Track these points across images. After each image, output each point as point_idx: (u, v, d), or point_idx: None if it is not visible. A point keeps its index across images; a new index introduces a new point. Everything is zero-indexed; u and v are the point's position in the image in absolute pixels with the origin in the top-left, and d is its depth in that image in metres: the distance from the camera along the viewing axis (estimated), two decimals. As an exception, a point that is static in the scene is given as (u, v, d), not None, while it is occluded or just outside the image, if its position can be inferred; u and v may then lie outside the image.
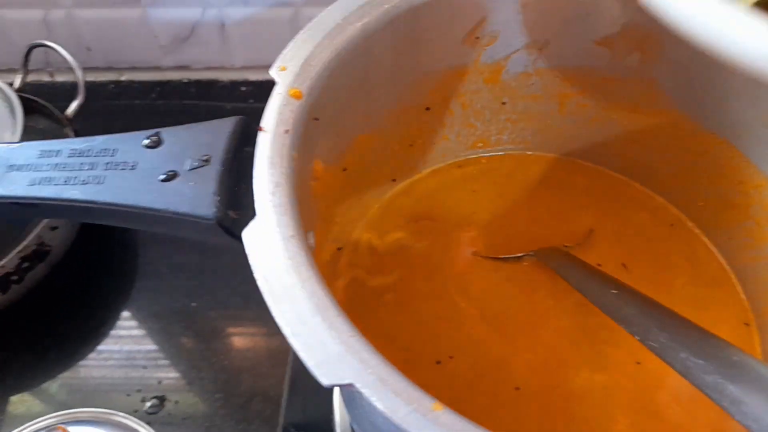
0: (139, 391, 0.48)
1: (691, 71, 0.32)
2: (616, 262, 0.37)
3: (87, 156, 0.26)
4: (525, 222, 0.39)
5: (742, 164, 0.33)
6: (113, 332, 0.51)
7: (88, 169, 0.26)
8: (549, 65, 0.36)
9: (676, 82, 0.34)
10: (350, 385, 0.18)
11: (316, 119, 0.27)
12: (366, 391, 0.18)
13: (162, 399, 0.48)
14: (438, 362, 0.33)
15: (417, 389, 0.18)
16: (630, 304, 0.26)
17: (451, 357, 0.33)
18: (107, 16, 0.65)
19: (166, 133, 0.26)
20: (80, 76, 0.56)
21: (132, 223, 0.26)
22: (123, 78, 0.70)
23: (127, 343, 0.50)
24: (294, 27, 0.63)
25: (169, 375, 0.49)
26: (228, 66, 0.69)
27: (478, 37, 0.33)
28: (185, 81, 0.69)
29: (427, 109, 0.37)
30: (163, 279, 0.54)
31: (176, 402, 0.47)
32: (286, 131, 0.24)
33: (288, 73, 0.26)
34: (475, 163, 0.42)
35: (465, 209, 0.40)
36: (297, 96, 0.26)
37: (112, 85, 0.70)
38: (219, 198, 0.24)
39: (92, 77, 0.69)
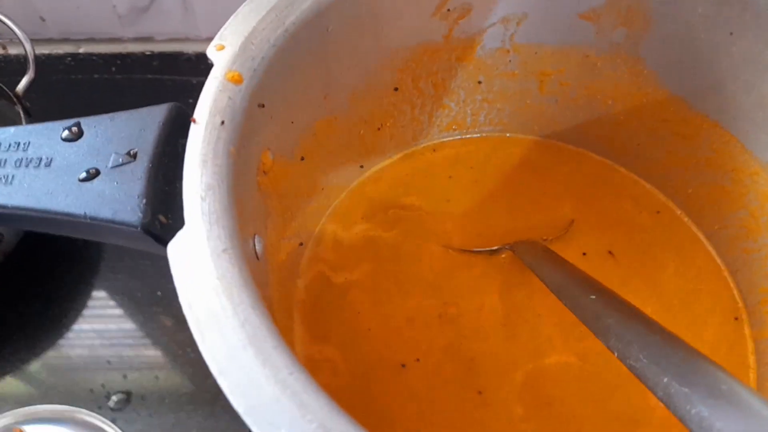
0: (103, 385, 0.46)
1: (682, 50, 0.29)
2: (602, 250, 0.35)
3: (-5, 151, 0.23)
4: (503, 211, 0.37)
5: (736, 150, 0.31)
6: (75, 326, 0.49)
7: (-5, 167, 0.22)
8: (528, 41, 0.32)
9: (665, 61, 0.31)
10: (286, 434, 0.15)
11: (262, 106, 0.24)
12: (305, 441, 0.15)
13: (128, 394, 0.45)
14: (403, 366, 0.31)
15: (365, 435, 0.16)
16: (609, 314, 0.23)
17: (417, 360, 0.31)
18: (58, -15, 0.61)
19: (87, 123, 0.23)
20: (29, 49, 0.51)
21: (48, 228, 0.22)
22: (81, 50, 0.66)
23: (89, 337, 0.48)
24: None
25: (135, 367, 0.46)
26: (193, 37, 0.65)
27: (449, 10, 0.30)
28: (148, 53, 0.65)
29: (396, 89, 0.33)
30: (127, 266, 0.51)
31: (142, 397, 0.45)
32: (222, 122, 0.21)
33: (226, 54, 0.23)
34: (450, 147, 0.39)
35: (439, 196, 0.37)
36: (236, 80, 0.22)
37: (69, 59, 0.65)
38: (146, 200, 0.21)
39: (47, 50, 0.65)
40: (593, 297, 0.25)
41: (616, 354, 0.22)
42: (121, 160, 0.22)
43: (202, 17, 0.63)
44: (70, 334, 0.48)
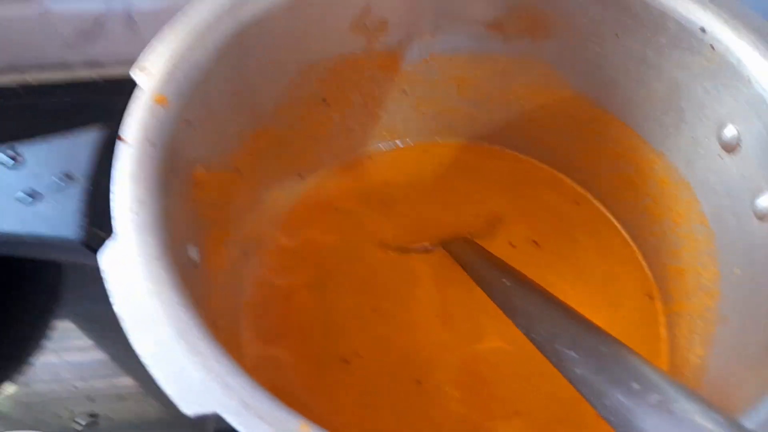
0: (70, 410, 0.46)
1: (579, 52, 0.32)
2: (527, 240, 0.38)
3: (-64, 179, 0.24)
4: (436, 211, 0.39)
5: (635, 141, 0.34)
6: (39, 354, 0.48)
7: (-63, 193, 0.24)
8: (443, 51, 0.35)
9: (567, 63, 0.34)
10: (213, 413, 0.17)
11: (189, 122, 0.26)
12: (229, 418, 0.17)
13: (95, 417, 0.46)
14: (345, 361, 0.33)
15: (283, 410, 0.18)
16: (518, 296, 0.26)
17: (359, 355, 0.33)
18: (3, 13, 0.61)
19: (25, 147, 0.25)
20: (-23, 81, 0.52)
21: (-8, 249, 0.24)
22: (29, 78, 0.66)
23: (54, 365, 0.48)
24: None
25: (101, 391, 0.47)
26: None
27: (366, 24, 0.32)
28: (96, 78, 0.66)
29: (324, 100, 0.36)
30: (90, 291, 0.51)
31: (110, 419, 0.46)
32: (150, 140, 0.23)
33: (149, 75, 0.24)
34: (385, 154, 0.41)
35: (376, 201, 0.39)
36: (162, 101, 0.24)
37: (18, 86, 0.66)
38: (83, 216, 0.23)
39: (-4, 79, 0.65)
40: (507, 282, 0.27)
41: (522, 330, 0.24)
42: (58, 180, 0.24)
43: (149, 39, 0.64)
44: (35, 363, 0.48)
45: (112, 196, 0.21)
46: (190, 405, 0.18)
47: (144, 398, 0.46)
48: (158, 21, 0.63)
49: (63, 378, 0.47)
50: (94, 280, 0.50)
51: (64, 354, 0.48)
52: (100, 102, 0.63)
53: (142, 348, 0.19)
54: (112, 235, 0.22)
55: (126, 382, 0.46)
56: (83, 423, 0.44)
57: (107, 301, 0.50)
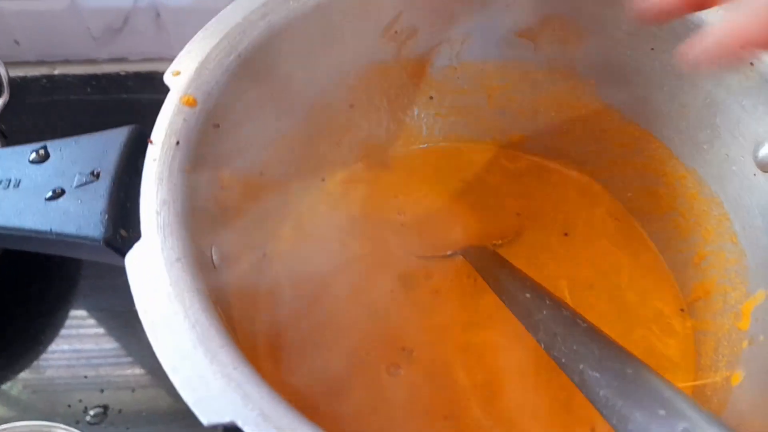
0: (80, 401, 0.46)
1: (612, 65, 0.32)
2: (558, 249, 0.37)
3: (-33, 174, 0.24)
4: (458, 217, 0.39)
5: (665, 156, 0.33)
6: (52, 344, 0.49)
7: (-33, 189, 0.24)
8: (473, 58, 0.35)
9: (598, 74, 0.33)
10: (231, 423, 0.17)
11: (217, 126, 0.25)
12: (247, 429, 0.17)
13: (105, 408, 0.46)
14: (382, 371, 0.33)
15: (303, 422, 0.17)
16: (540, 309, 0.25)
17: (368, 354, 0.33)
18: (34, 7, 0.62)
19: (53, 146, 0.25)
20: (3, 73, 0.52)
21: (18, 245, 0.24)
22: (56, 72, 0.67)
23: (67, 355, 0.48)
24: (231, 15, 0.61)
25: (112, 382, 0.47)
26: (167, 57, 0.65)
27: (396, 32, 0.32)
28: (122, 73, 0.66)
29: (351, 106, 0.35)
30: (108, 284, 0.52)
31: (119, 411, 0.46)
32: (177, 142, 0.23)
33: (181, 79, 0.24)
34: (406, 158, 0.41)
35: (397, 205, 0.39)
36: (191, 103, 0.24)
37: (45, 80, 0.66)
38: (108, 216, 0.23)
39: (23, 72, 0.66)
40: (528, 295, 0.27)
41: (542, 346, 0.24)
42: (84, 179, 0.24)
43: (174, 37, 0.65)
44: (48, 352, 0.49)
45: (140, 198, 0.21)
46: (207, 414, 0.17)
47: (153, 390, 0.46)
48: (184, 18, 0.64)
49: (75, 366, 0.47)
50: (109, 273, 0.50)
51: (77, 343, 0.48)
52: (125, 99, 0.64)
53: (162, 353, 0.18)
54: (138, 236, 0.22)
55: (136, 373, 0.47)
56: (93, 414, 0.45)
57: (121, 294, 0.50)
